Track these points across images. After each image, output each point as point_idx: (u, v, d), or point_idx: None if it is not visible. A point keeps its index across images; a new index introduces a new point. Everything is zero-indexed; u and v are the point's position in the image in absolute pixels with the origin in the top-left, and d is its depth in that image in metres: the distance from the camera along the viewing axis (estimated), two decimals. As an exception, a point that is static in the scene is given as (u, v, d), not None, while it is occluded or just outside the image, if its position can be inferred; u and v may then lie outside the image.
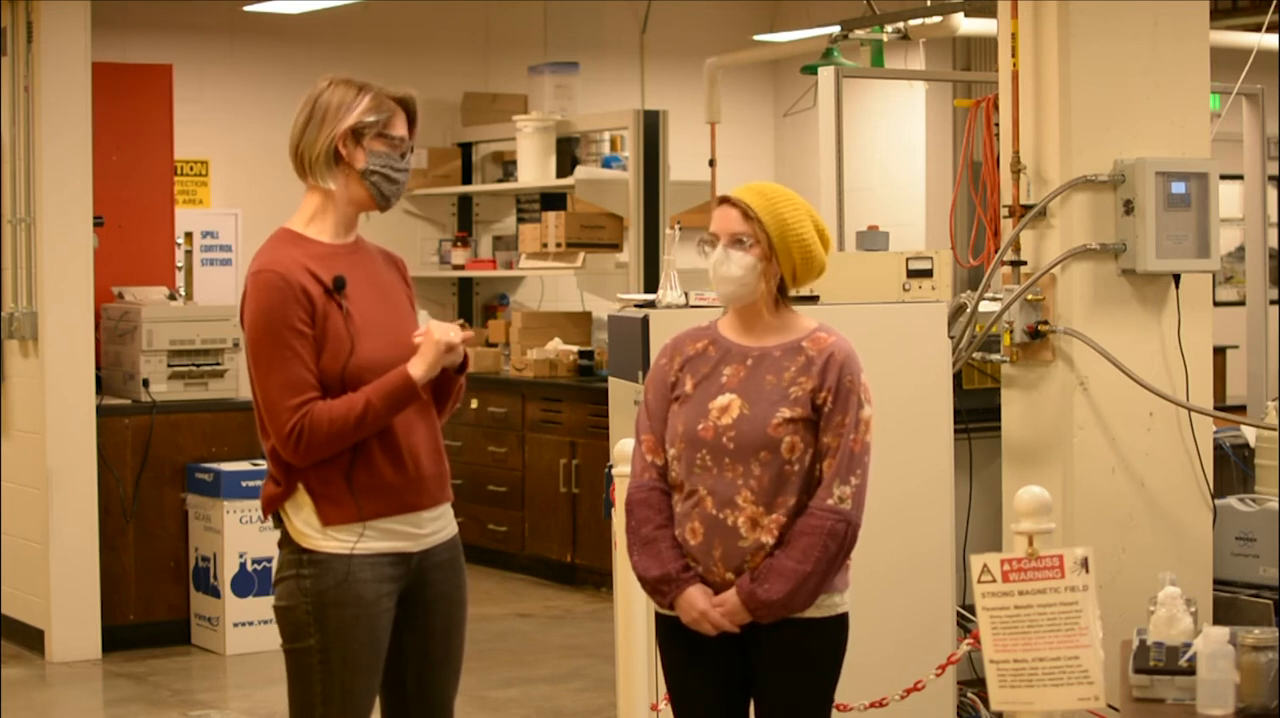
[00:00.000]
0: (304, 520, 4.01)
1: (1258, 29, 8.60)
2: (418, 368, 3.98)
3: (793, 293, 4.08)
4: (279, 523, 4.07)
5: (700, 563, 3.97)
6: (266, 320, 3.95)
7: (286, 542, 4.04)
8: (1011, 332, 6.27)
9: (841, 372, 3.96)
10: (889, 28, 9.33)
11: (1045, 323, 6.24)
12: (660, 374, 4.10)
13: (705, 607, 3.93)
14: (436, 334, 4.01)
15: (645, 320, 5.57)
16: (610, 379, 6.10)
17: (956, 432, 6.10)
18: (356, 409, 3.94)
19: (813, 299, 5.93)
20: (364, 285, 4.08)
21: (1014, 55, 6.32)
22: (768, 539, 3.91)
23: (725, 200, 4.06)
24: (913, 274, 6.99)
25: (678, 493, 4.00)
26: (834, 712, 4.07)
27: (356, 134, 4.06)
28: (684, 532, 3.98)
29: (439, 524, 4.13)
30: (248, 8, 10.63)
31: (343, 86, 4.08)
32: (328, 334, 3.98)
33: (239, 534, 8.18)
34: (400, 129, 4.11)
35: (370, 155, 4.07)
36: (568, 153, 11.05)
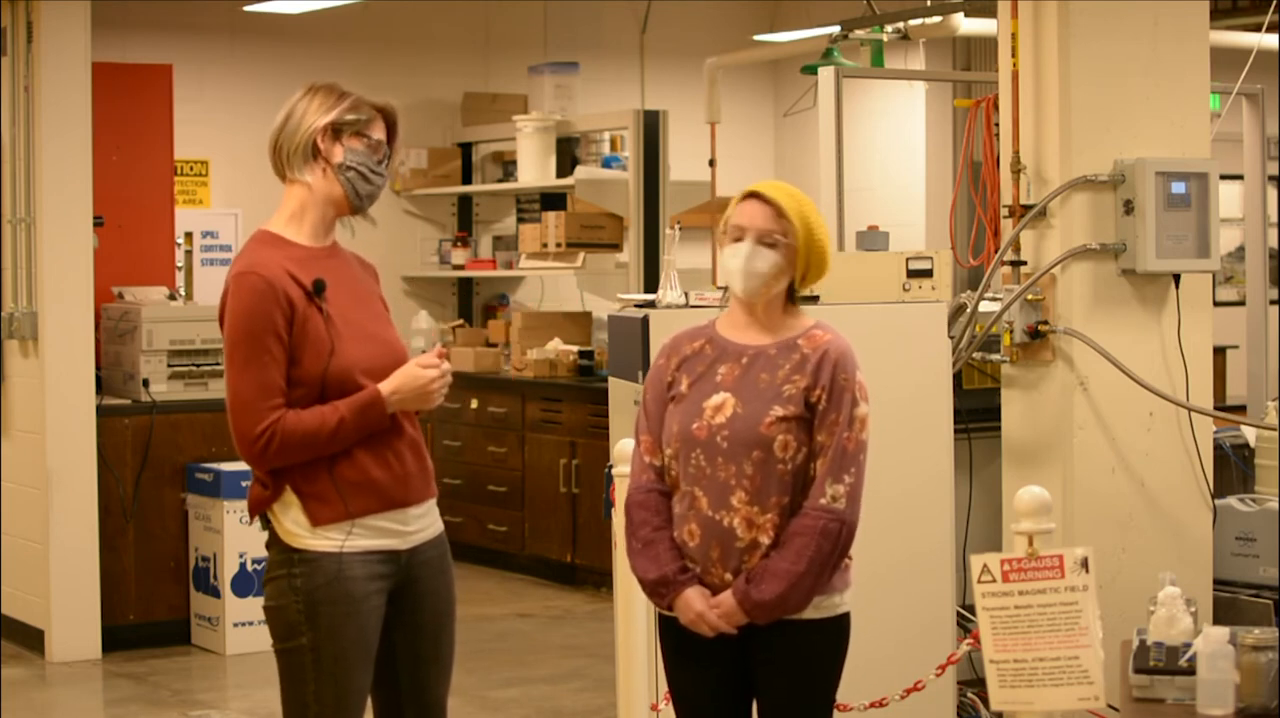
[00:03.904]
0: (293, 520, 4.02)
1: (1258, 29, 8.60)
2: (388, 387, 4.00)
3: (801, 294, 4.07)
4: (266, 524, 4.08)
5: (699, 564, 3.96)
6: (248, 322, 3.98)
7: (275, 542, 4.06)
8: (1011, 332, 6.26)
9: (836, 369, 3.94)
10: (889, 28, 9.32)
11: (1045, 323, 6.24)
12: (658, 374, 4.09)
13: (702, 608, 3.93)
14: (415, 368, 4.02)
15: (645, 320, 5.57)
16: (610, 379, 6.09)
17: (956, 432, 6.10)
18: (329, 423, 3.97)
19: (813, 299, 5.92)
20: (342, 289, 4.10)
21: (1014, 55, 6.32)
22: (765, 539, 3.90)
23: (756, 196, 4.01)
24: (913, 274, 6.98)
25: (676, 494, 4.00)
26: (834, 712, 4.07)
27: (335, 130, 4.09)
28: (682, 534, 3.97)
29: (425, 521, 4.14)
30: (248, 8, 10.63)
31: (324, 91, 4.12)
32: (308, 337, 4.00)
33: (239, 534, 8.17)
34: (379, 133, 4.15)
35: (348, 152, 4.10)
36: (568, 153, 11.04)
